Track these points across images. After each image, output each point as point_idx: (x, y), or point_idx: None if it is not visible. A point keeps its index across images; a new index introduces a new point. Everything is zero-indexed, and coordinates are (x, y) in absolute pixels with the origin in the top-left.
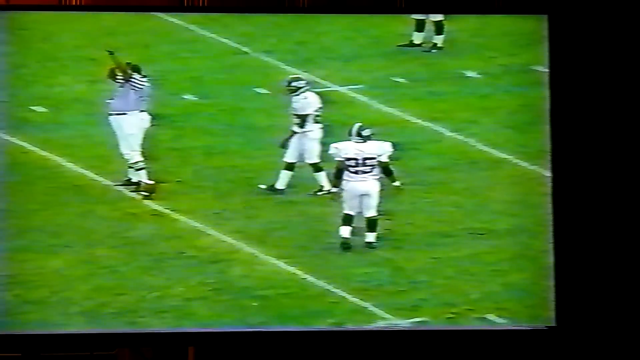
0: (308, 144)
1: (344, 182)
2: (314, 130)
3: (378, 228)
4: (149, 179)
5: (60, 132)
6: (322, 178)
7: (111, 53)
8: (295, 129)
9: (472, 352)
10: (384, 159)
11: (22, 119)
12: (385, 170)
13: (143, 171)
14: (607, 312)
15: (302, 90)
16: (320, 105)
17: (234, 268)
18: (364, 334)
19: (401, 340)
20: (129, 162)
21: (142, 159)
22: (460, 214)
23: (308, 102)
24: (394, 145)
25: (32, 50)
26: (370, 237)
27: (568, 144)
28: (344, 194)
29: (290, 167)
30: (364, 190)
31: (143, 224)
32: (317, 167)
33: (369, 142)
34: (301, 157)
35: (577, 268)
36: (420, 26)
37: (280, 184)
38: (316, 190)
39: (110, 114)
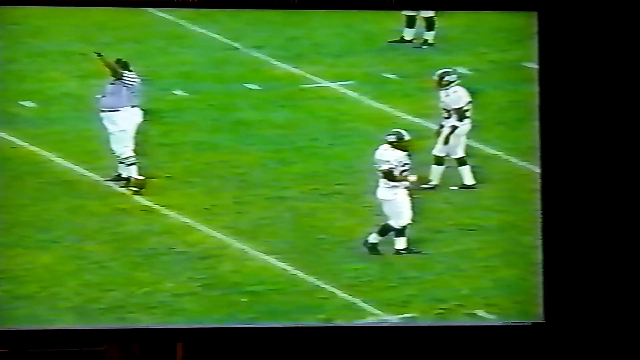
0: (455, 138)
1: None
2: (463, 125)
3: (406, 235)
4: (139, 175)
5: (49, 127)
6: (466, 172)
7: (100, 55)
8: (444, 123)
9: (462, 348)
10: (384, 167)
11: (12, 113)
12: (387, 176)
13: (134, 166)
14: (596, 309)
15: (453, 84)
16: (470, 100)
17: (223, 264)
18: (354, 329)
19: (391, 336)
20: (121, 158)
21: (133, 154)
22: (450, 210)
23: (458, 95)
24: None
25: (21, 45)
26: (398, 244)
27: (557, 141)
28: None
29: (439, 161)
30: (384, 196)
31: (133, 220)
32: (461, 161)
33: (389, 149)
34: (447, 151)
35: (565, 264)
36: (411, 22)
37: (433, 179)
38: (460, 185)
39: (103, 111)
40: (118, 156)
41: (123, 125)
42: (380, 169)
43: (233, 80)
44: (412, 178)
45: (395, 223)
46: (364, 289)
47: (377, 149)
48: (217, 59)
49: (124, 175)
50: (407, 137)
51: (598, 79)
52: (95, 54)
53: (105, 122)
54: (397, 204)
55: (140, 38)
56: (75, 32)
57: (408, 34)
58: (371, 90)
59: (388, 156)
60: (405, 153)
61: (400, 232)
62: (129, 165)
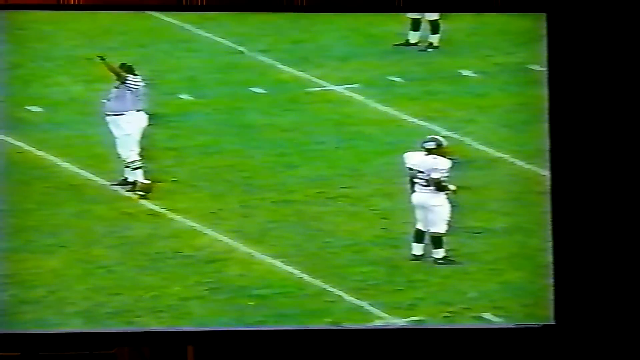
0: None
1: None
2: None
3: (445, 245)
4: (145, 179)
5: (56, 132)
6: None
7: (102, 59)
8: None
9: (469, 351)
10: (435, 175)
11: (19, 118)
12: (438, 186)
13: (140, 170)
14: (607, 310)
15: None
16: None
17: (230, 267)
18: (361, 333)
19: (398, 339)
20: (126, 162)
21: (139, 158)
22: (456, 213)
23: None
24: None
25: (28, 50)
26: (437, 253)
27: (567, 143)
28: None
29: None
30: (422, 203)
31: (139, 224)
32: None
33: (430, 155)
34: None
35: (576, 266)
36: (415, 25)
37: None
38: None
39: (107, 115)
40: (124, 160)
41: (128, 129)
42: (431, 177)
43: (238, 84)
44: (452, 187)
45: (433, 229)
46: (370, 292)
47: (407, 155)
48: (222, 63)
49: (130, 179)
50: (445, 143)
51: (607, 81)
52: (99, 58)
53: (111, 126)
54: (442, 210)
55: (146, 42)
56: (81, 36)
57: (413, 37)
58: (377, 94)
59: (439, 165)
60: (450, 160)
61: (438, 242)
62: (135, 169)
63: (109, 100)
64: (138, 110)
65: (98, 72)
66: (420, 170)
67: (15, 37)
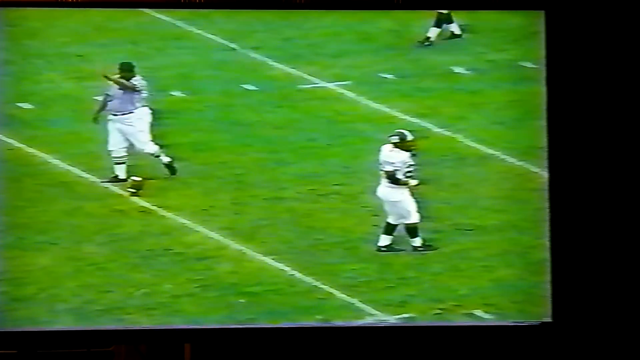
0: None
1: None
2: None
3: (419, 233)
4: (136, 176)
5: (47, 129)
6: None
7: (109, 78)
8: None
9: (460, 348)
10: (388, 168)
11: (10, 115)
12: (391, 179)
13: (166, 157)
14: (603, 308)
15: None
16: None
17: (221, 265)
18: (352, 330)
19: (389, 336)
20: (155, 153)
21: (158, 147)
22: (448, 210)
23: None
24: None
25: (19, 47)
26: (414, 242)
27: (564, 140)
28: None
29: None
30: (385, 197)
31: (130, 221)
32: None
33: (394, 150)
34: None
35: (572, 264)
36: (448, 19)
37: None
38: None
39: (115, 115)
40: (114, 158)
41: (139, 125)
42: (384, 170)
43: (231, 81)
44: (414, 183)
45: (406, 221)
46: (362, 289)
47: (380, 149)
48: (214, 60)
49: (121, 176)
50: (409, 137)
51: (605, 79)
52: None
53: (117, 126)
54: (405, 204)
55: (138, 39)
56: (72, 33)
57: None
58: (368, 91)
59: (393, 158)
60: (409, 154)
61: (413, 232)
62: (157, 156)
63: (111, 100)
64: (143, 106)
65: (89, 69)
66: (380, 163)
67: (5, 34)
